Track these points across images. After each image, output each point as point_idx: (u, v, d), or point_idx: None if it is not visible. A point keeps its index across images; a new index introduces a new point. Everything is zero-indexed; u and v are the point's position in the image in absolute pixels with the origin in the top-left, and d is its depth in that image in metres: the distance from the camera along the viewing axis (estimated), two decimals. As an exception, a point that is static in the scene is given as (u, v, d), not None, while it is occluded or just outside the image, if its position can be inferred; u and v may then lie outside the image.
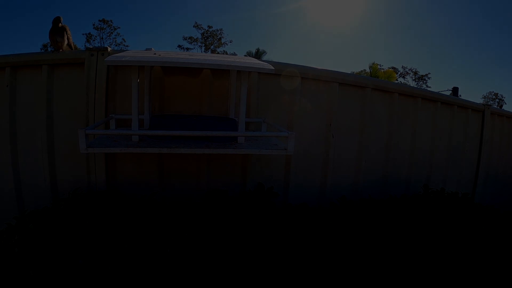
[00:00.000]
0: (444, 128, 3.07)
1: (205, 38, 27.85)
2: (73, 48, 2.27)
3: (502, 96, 31.57)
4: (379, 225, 1.96)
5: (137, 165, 2.10)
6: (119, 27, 27.18)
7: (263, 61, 1.92)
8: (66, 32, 2.14)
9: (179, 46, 27.82)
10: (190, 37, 27.69)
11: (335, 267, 1.71)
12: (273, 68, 1.64)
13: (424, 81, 30.09)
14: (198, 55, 1.86)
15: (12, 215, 1.83)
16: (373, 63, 18.06)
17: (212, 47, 27.65)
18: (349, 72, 3.58)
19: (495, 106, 17.02)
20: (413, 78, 30.04)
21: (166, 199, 1.98)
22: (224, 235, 1.67)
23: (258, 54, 21.67)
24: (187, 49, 27.20)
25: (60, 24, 2.12)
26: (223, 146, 1.70)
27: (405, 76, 30.04)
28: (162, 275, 1.53)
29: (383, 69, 22.36)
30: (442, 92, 5.73)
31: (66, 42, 2.15)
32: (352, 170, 2.59)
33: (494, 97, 31.50)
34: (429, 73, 32.94)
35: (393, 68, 27.69)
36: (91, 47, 2.07)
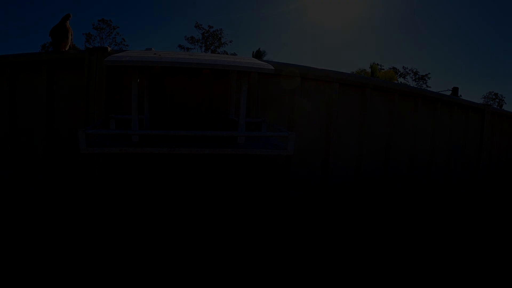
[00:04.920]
0: (444, 128, 3.06)
1: (206, 38, 27.85)
2: (72, 48, 2.27)
3: (502, 96, 31.53)
4: (379, 224, 1.97)
5: (137, 164, 2.10)
6: (118, 27, 27.15)
7: (263, 61, 1.92)
8: (70, 33, 2.14)
9: (179, 46, 27.82)
10: (191, 37, 27.69)
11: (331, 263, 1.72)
12: (273, 68, 1.64)
13: (424, 81, 30.08)
14: (198, 55, 1.86)
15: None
16: (373, 63, 18.05)
17: (212, 47, 27.64)
18: (349, 72, 3.58)
19: (495, 106, 17.00)
20: (413, 78, 30.03)
21: (166, 198, 1.98)
22: (223, 233, 1.67)
23: (258, 55, 21.64)
24: (188, 49, 27.19)
25: (68, 23, 2.11)
26: (223, 146, 1.70)
27: (405, 76, 30.04)
28: (161, 273, 1.53)
29: (383, 69, 22.35)
30: (442, 92, 5.73)
31: (69, 43, 2.15)
32: (352, 170, 2.58)
33: (494, 97, 31.46)
34: (429, 73, 32.90)
35: (393, 68, 27.69)
36: (91, 47, 2.07)
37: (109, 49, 2.05)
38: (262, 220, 2.06)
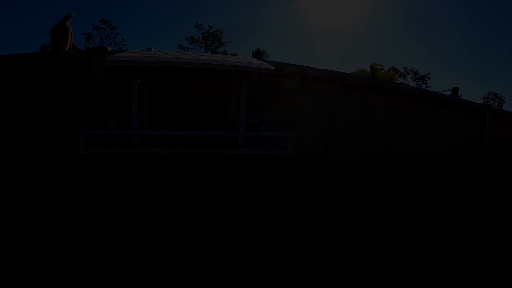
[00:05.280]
0: (444, 128, 3.06)
1: (206, 38, 27.83)
2: (72, 48, 2.27)
3: (502, 96, 31.44)
4: (379, 223, 1.97)
5: (137, 164, 2.10)
6: (118, 27, 27.09)
7: (263, 61, 1.92)
8: (70, 33, 2.14)
9: (179, 46, 27.78)
10: (191, 37, 27.67)
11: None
12: (273, 68, 1.64)
13: (424, 81, 30.04)
14: (198, 55, 1.86)
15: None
16: (373, 63, 18.03)
17: (212, 47, 27.61)
18: (349, 72, 3.58)
19: (495, 106, 16.96)
20: (413, 78, 30.00)
21: (166, 198, 1.98)
22: (224, 233, 1.67)
23: (258, 55, 21.60)
24: (188, 49, 27.17)
25: (68, 23, 2.11)
26: (223, 146, 1.70)
27: (405, 77, 30.01)
28: (161, 273, 1.53)
29: (383, 69, 22.33)
30: (442, 92, 5.73)
31: (69, 43, 2.15)
32: (352, 170, 2.59)
33: (494, 97, 31.40)
34: (429, 73, 32.83)
35: (393, 68, 27.64)
36: (91, 47, 2.08)
37: (109, 49, 2.05)
38: (262, 219, 2.07)
